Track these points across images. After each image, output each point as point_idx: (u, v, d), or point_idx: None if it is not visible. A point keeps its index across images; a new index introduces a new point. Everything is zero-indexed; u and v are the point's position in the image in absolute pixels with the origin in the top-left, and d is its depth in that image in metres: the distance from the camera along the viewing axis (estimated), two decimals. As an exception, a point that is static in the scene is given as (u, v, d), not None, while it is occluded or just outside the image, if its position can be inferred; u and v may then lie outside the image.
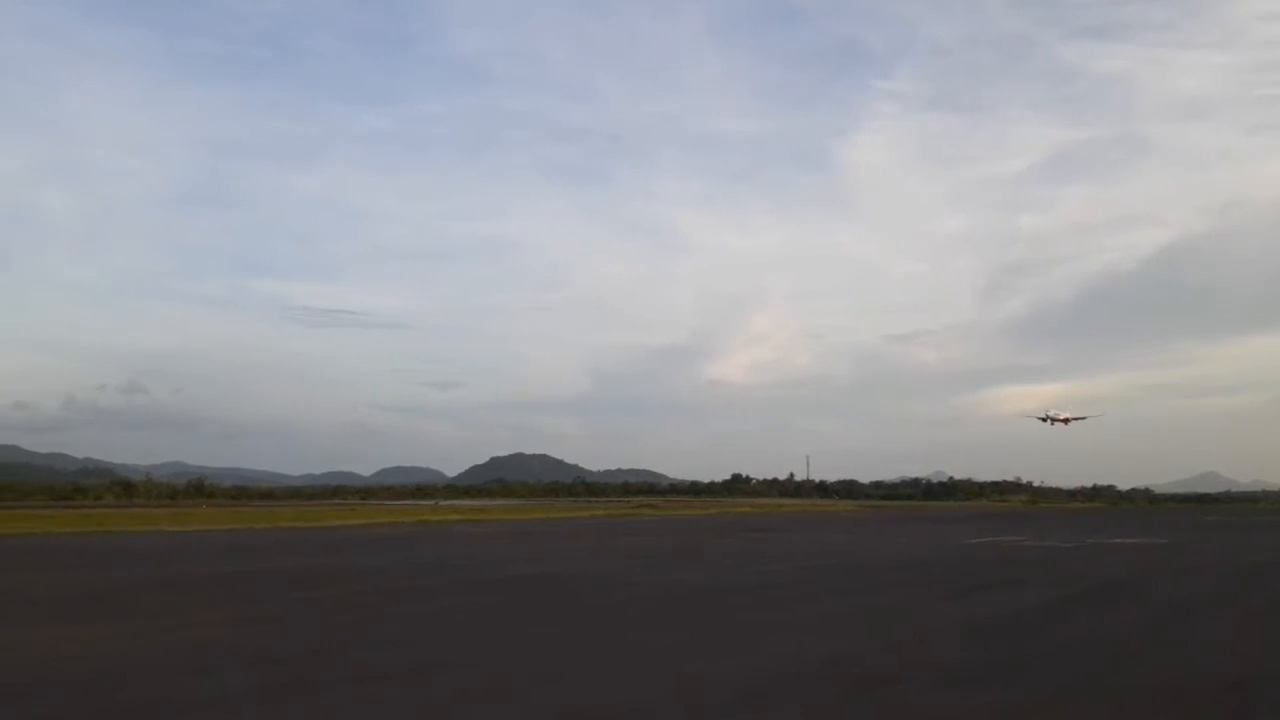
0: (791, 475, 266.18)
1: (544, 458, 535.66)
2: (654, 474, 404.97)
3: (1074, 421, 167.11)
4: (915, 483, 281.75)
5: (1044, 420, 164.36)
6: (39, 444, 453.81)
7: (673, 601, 21.67)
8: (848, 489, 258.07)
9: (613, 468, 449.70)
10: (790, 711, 10.75)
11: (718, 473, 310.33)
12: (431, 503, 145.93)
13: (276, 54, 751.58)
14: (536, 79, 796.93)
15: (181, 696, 11.39)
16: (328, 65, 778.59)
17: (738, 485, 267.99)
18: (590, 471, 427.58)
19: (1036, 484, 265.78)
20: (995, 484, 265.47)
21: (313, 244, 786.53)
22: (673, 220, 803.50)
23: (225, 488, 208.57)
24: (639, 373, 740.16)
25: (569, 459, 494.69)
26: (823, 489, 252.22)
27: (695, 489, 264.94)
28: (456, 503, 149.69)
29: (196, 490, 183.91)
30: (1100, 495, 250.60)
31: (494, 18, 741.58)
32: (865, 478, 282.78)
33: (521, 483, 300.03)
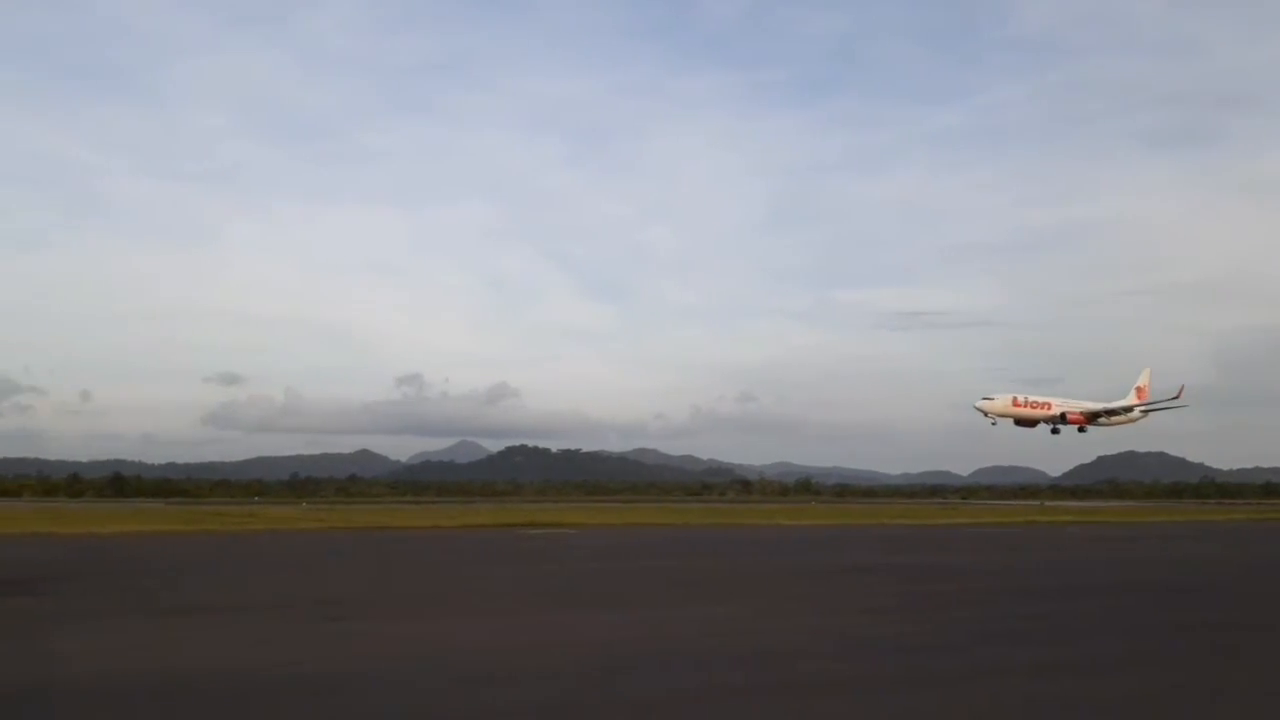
0: None
1: (1161, 455, 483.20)
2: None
3: (1110, 421, 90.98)
4: None
5: (1019, 422, 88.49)
6: (672, 447, 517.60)
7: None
8: None
9: (1248, 466, 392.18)
10: None
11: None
12: (1037, 503, 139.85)
13: (844, 69, 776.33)
14: (1122, 41, 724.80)
15: (826, 677, 12.28)
16: (895, 70, 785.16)
17: None
18: (1219, 470, 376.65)
19: None
20: None
21: (893, 250, 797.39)
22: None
23: (829, 486, 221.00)
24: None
25: (1191, 456, 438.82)
26: None
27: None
28: (1063, 504, 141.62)
29: (804, 488, 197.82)
30: None
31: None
32: None
33: (1136, 482, 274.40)
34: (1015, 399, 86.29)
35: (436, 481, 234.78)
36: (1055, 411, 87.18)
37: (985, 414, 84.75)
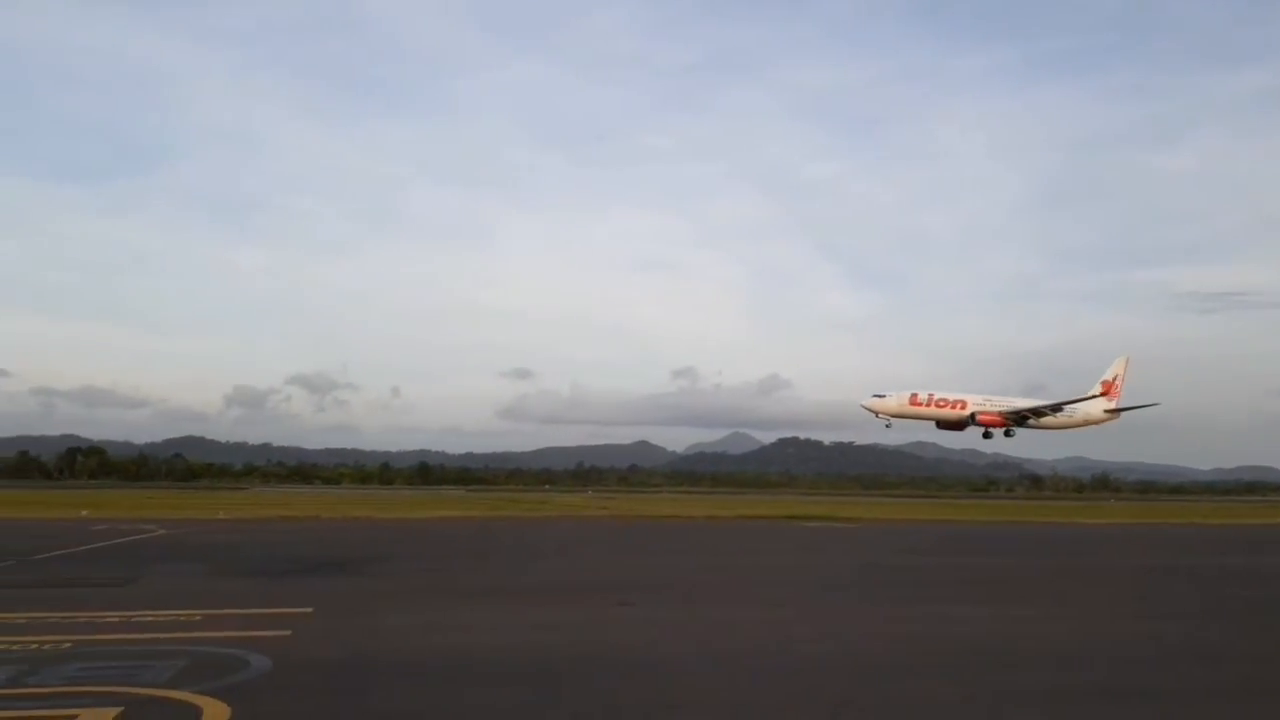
0: None
1: None
2: None
3: (1039, 423, 74.59)
4: None
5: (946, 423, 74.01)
6: (952, 440, 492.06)
7: None
8: None
9: None
10: None
11: None
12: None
13: (1129, 36, 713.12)
14: None
15: (1124, 684, 11.78)
16: (1189, 33, 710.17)
17: None
18: None
19: None
20: None
21: (1193, 225, 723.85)
22: None
23: (1130, 482, 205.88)
24: None
25: None
26: None
27: None
28: None
29: (1101, 484, 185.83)
30: None
31: None
32: None
33: None
34: (914, 396, 73.49)
35: (710, 472, 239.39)
36: (966, 411, 73.98)
37: (876, 414, 72.69)
